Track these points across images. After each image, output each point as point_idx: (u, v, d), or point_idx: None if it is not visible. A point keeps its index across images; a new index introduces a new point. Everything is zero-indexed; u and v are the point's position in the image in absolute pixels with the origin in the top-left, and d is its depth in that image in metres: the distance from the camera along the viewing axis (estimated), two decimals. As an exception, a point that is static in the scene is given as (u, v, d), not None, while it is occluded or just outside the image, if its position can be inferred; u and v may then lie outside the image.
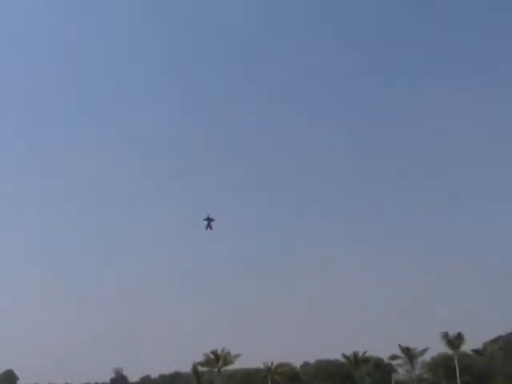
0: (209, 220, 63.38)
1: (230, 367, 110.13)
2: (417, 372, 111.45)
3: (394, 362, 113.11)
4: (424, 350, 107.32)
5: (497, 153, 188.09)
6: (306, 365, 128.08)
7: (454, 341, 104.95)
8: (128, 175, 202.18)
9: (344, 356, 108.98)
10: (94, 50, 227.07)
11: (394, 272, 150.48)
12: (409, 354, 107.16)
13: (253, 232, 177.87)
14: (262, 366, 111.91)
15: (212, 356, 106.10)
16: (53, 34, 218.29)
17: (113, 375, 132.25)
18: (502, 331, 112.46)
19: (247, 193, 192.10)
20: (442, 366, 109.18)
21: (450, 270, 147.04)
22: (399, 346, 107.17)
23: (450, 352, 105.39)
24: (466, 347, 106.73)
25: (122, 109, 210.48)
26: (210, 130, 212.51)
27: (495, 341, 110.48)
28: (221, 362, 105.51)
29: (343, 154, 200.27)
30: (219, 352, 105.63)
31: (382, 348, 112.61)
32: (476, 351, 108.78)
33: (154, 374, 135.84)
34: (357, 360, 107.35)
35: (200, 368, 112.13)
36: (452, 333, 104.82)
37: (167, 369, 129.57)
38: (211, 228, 63.81)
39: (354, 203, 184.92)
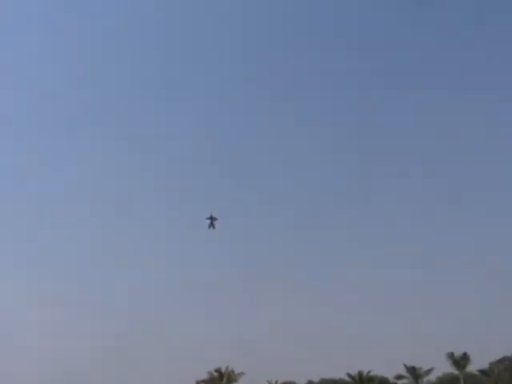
0: (212, 219, 63.50)
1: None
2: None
3: (400, 382, 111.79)
4: (429, 370, 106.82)
5: (497, 153, 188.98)
6: (310, 383, 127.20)
7: (460, 361, 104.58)
8: (128, 175, 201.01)
9: (349, 375, 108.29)
10: (93, 50, 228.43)
11: (395, 274, 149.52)
12: (414, 373, 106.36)
13: (252, 233, 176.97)
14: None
15: (216, 374, 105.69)
16: (53, 33, 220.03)
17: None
18: (508, 351, 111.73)
19: (247, 193, 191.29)
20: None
21: (452, 275, 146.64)
22: (404, 365, 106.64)
23: (456, 372, 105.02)
24: (472, 367, 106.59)
25: (121, 109, 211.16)
26: (209, 130, 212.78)
27: (501, 361, 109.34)
28: (225, 380, 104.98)
29: (343, 154, 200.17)
30: (223, 370, 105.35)
31: (387, 367, 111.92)
32: (482, 371, 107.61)
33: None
34: (361, 379, 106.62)
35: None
36: (457, 352, 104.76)
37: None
38: (214, 227, 63.89)
39: (354, 203, 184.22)
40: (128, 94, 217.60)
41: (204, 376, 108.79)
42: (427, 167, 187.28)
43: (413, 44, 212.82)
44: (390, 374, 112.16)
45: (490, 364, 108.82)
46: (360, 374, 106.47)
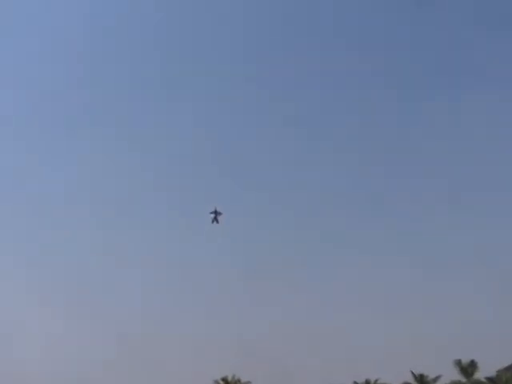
0: (216, 213, 62.85)
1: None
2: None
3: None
4: (437, 378, 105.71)
5: (497, 153, 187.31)
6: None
7: (467, 368, 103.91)
8: (128, 175, 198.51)
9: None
10: (93, 50, 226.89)
11: (395, 274, 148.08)
12: (422, 381, 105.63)
13: (252, 232, 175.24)
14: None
15: (222, 383, 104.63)
16: (53, 33, 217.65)
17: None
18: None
19: (247, 193, 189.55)
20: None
21: (453, 275, 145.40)
22: (412, 372, 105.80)
23: (464, 380, 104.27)
24: (480, 375, 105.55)
25: (121, 109, 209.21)
26: (209, 130, 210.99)
27: (509, 368, 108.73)
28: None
29: (343, 154, 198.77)
30: (229, 379, 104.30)
31: (387, 368, 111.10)
32: (490, 379, 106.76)
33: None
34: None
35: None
36: (465, 360, 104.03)
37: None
38: (218, 221, 63.32)
39: (354, 203, 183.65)
40: (128, 94, 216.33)
41: (207, 379, 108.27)
42: (427, 167, 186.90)
43: (413, 44, 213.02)
44: (397, 382, 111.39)
45: (498, 371, 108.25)
46: (367, 382, 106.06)
